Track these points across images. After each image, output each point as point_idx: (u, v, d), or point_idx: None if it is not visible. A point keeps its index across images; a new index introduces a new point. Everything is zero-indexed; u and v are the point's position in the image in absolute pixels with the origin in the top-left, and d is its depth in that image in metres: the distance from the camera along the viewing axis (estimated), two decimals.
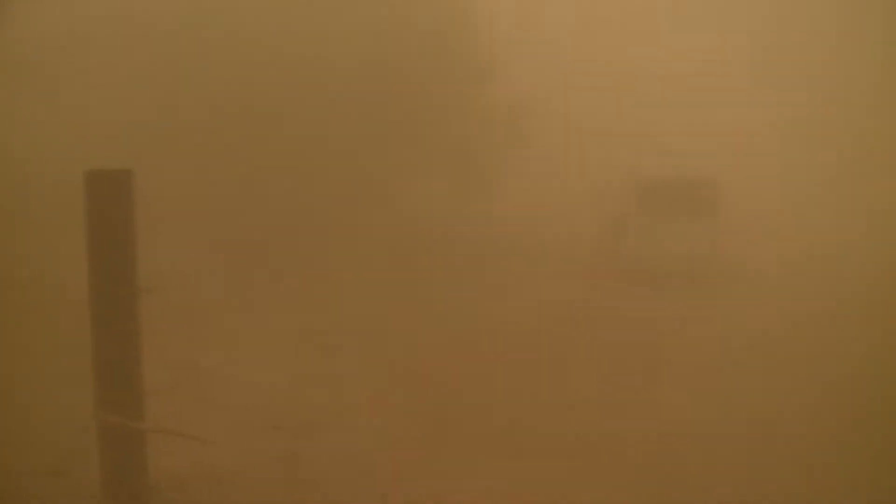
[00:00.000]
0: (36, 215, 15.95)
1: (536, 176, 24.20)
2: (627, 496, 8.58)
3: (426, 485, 8.66)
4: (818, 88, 25.79)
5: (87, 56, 18.33)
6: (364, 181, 20.89)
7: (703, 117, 26.01)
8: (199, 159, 18.56)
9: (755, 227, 21.65)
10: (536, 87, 23.97)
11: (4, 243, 14.98)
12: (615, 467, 9.12)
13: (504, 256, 19.53)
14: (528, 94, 21.86)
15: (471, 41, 21.05)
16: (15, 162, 17.00)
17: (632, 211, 18.07)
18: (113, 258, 6.76)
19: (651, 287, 17.20)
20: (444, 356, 12.75)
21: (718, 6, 27.96)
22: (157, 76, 18.65)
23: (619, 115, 26.44)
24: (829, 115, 25.21)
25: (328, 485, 8.65)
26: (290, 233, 19.00)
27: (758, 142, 26.16)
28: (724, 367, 12.57)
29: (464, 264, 18.80)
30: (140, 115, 18.01)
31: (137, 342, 6.85)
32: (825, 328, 14.25)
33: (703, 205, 17.85)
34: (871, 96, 24.81)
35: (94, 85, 18.14)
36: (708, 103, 26.30)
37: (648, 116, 26.38)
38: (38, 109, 17.81)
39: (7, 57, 18.05)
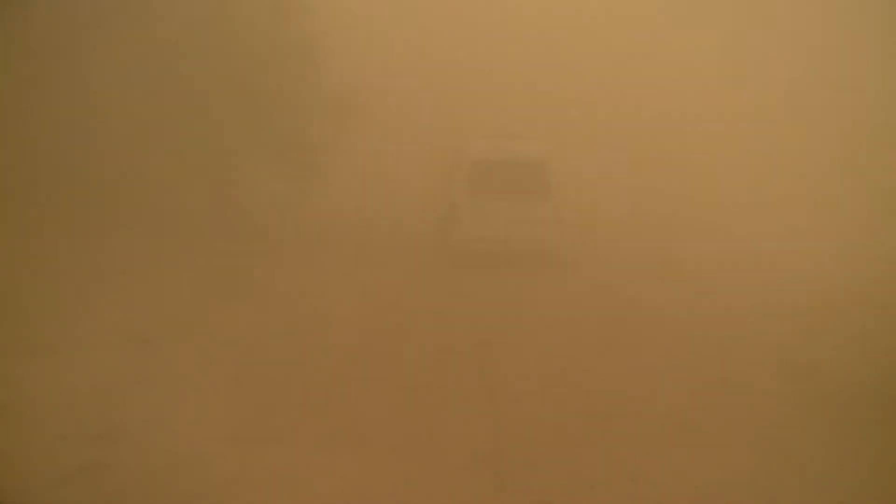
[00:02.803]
0: None
1: (368, 163, 23.84)
2: (467, 492, 8.21)
3: (255, 491, 8.06)
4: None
5: None
6: (193, 169, 20.15)
7: (534, 99, 26.27)
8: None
9: (597, 211, 21.95)
10: (367, 73, 23.61)
11: None
12: (451, 462, 8.75)
13: (335, 245, 18.99)
14: (359, 81, 21.49)
15: (301, 28, 20.56)
16: None
17: (464, 194, 17.84)
18: None
19: (486, 272, 17.05)
20: (273, 352, 12.05)
21: None
22: None
23: (449, 100, 26.38)
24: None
25: (139, 497, 7.92)
26: (111, 224, 17.96)
27: (595, 122, 26.57)
28: (563, 354, 12.41)
29: (294, 255, 18.15)
30: None
31: None
32: (674, 317, 14.40)
33: (537, 187, 17.77)
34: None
35: None
36: (538, 84, 26.58)
37: (480, 100, 26.42)
38: None
39: None
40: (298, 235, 19.61)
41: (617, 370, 11.75)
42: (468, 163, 17.94)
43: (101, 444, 8.71)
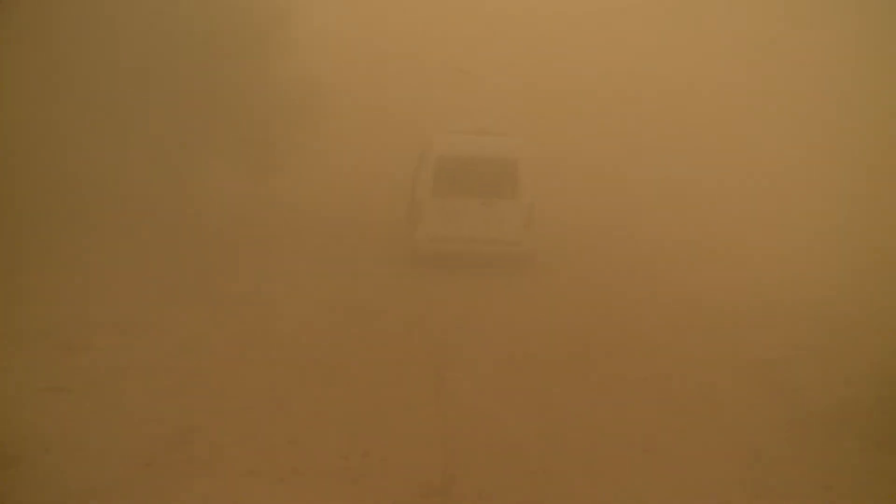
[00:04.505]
0: None
1: (329, 159, 23.04)
2: None
3: None
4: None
5: None
6: (147, 166, 19.47)
7: (504, 93, 25.45)
8: None
9: (569, 211, 21.11)
10: (329, 67, 22.85)
11: None
12: (396, 493, 7.82)
13: (293, 245, 18.20)
14: (320, 75, 20.83)
15: (261, 22, 19.89)
16: None
17: (428, 192, 16.95)
18: None
19: (449, 274, 16.19)
20: (227, 355, 11.11)
21: None
22: None
23: (414, 93, 25.55)
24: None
25: None
26: (51, 220, 17.02)
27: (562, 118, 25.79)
28: (526, 366, 11.48)
29: (250, 254, 17.34)
30: None
31: None
32: (649, 328, 13.51)
33: (506, 184, 16.89)
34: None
35: None
36: (509, 78, 25.77)
37: (448, 94, 25.61)
38: None
39: None
40: (255, 234, 18.86)
41: (585, 385, 10.85)
42: (432, 158, 17.04)
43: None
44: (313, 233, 19.24)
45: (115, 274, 15.04)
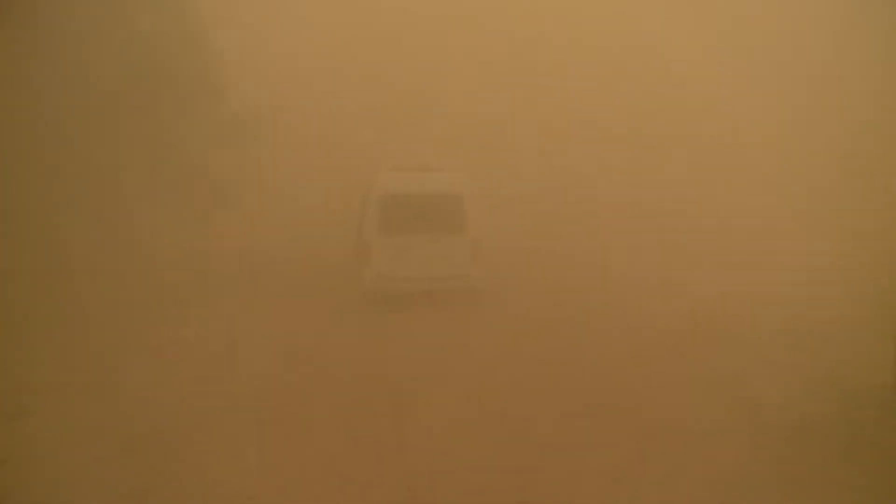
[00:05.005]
0: None
1: (273, 196, 22.61)
2: None
3: None
4: None
5: None
6: (83, 210, 18.78)
7: (447, 128, 25.33)
8: None
9: (518, 245, 20.94)
10: (272, 99, 22.50)
11: None
12: None
13: (238, 287, 17.73)
14: (263, 107, 20.46)
15: (199, 57, 19.46)
16: None
17: (374, 230, 16.70)
18: None
19: (400, 313, 15.91)
20: (177, 411, 10.70)
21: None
22: None
23: (360, 127, 25.30)
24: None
25: None
26: None
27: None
28: (482, 400, 11.25)
29: (194, 299, 16.84)
30: None
31: None
32: (604, 355, 13.36)
33: (453, 220, 16.73)
34: None
35: None
36: (455, 110, 25.63)
37: (394, 127, 25.41)
38: None
39: None
40: (202, 279, 18.36)
41: (548, 416, 10.64)
42: (377, 196, 16.82)
43: None
44: (262, 274, 18.84)
45: (53, 331, 14.45)
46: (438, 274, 16.54)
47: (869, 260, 18.36)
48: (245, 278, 18.81)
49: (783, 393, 11.45)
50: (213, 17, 20.43)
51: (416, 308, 16.09)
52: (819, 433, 10.06)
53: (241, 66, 20.99)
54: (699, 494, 8.51)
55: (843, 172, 21.94)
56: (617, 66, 27.02)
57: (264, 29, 26.17)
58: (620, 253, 21.28)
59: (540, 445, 9.65)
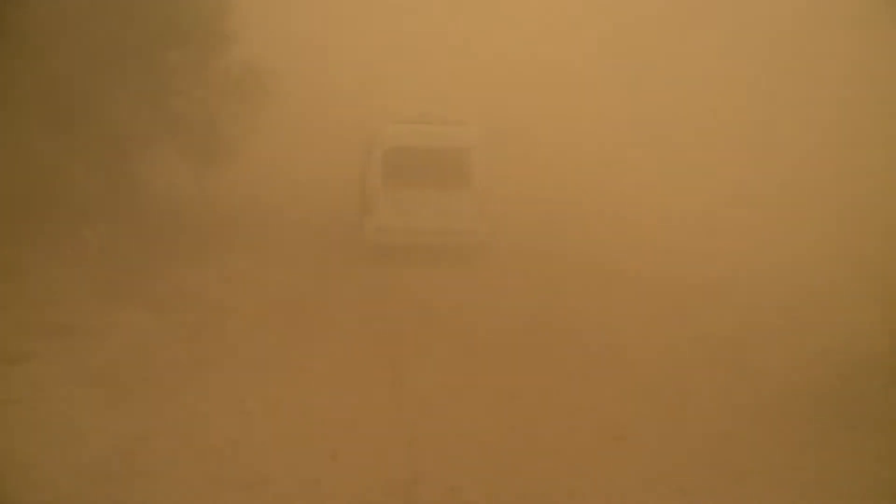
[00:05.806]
0: None
1: (277, 148, 22.46)
2: None
3: None
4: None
5: None
6: (85, 157, 18.70)
7: (457, 80, 25.11)
8: None
9: (523, 202, 20.80)
10: (276, 51, 22.24)
11: None
12: (359, 488, 7.53)
13: (240, 238, 17.65)
14: (267, 59, 20.21)
15: (204, 10, 19.22)
16: None
17: (378, 182, 16.57)
18: None
19: (402, 266, 15.85)
20: (175, 357, 10.70)
21: None
22: None
23: (366, 80, 25.09)
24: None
25: None
26: None
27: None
28: (484, 358, 11.22)
29: (196, 250, 16.77)
30: None
31: None
32: (604, 315, 13.30)
33: (458, 174, 16.54)
34: None
35: None
36: (462, 65, 25.40)
37: (400, 81, 25.19)
38: None
39: None
40: (202, 228, 18.25)
41: (549, 373, 10.64)
42: (382, 148, 16.66)
43: None
44: (263, 225, 18.75)
45: (54, 277, 14.40)
46: (443, 228, 16.41)
47: (867, 229, 18.26)
48: (247, 226, 18.74)
49: (782, 358, 11.45)
50: None
51: (419, 261, 16.02)
52: (817, 398, 10.07)
53: (248, 14, 20.72)
54: (698, 454, 8.53)
55: (841, 142, 21.81)
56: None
57: None
58: (626, 208, 21.13)
59: (540, 402, 9.65)
